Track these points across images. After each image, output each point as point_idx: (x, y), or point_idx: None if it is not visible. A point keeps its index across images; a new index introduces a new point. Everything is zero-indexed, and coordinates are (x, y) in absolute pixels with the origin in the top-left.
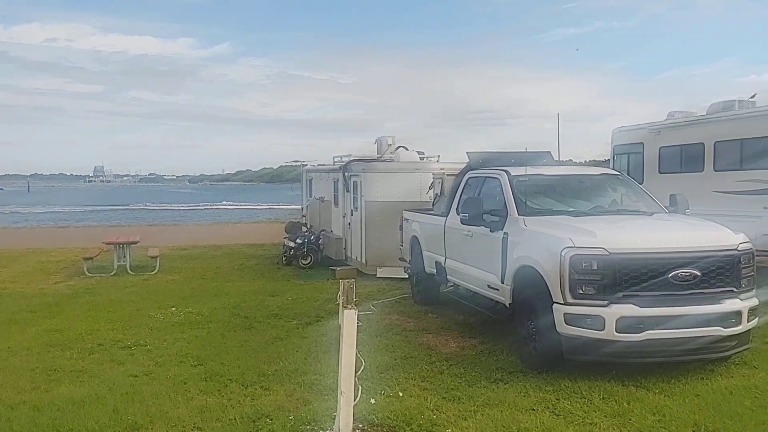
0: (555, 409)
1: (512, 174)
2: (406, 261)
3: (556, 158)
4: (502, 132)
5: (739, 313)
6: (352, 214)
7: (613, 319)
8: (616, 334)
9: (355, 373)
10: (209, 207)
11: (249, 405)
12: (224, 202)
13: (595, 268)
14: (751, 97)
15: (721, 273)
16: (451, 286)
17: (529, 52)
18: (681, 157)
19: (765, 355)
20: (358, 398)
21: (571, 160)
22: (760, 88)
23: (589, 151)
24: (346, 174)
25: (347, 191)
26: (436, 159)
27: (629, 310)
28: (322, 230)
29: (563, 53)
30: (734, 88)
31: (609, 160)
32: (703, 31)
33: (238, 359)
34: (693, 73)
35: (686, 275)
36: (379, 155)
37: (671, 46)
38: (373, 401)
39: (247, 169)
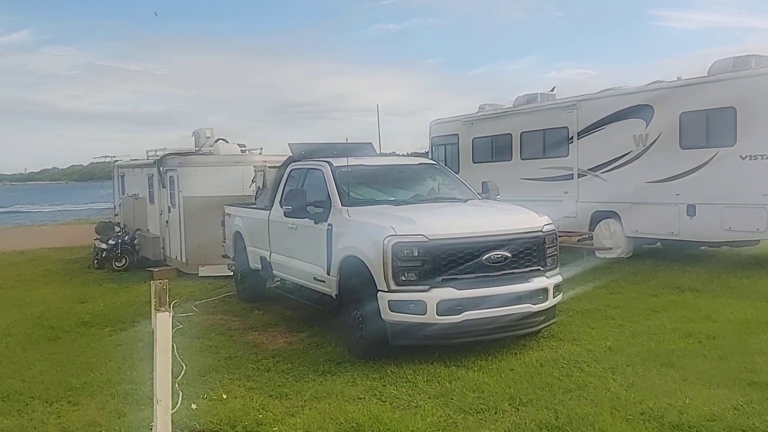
0: (382, 395)
1: (335, 165)
2: (229, 258)
3: (377, 149)
4: (327, 125)
5: (545, 290)
6: (169, 211)
7: (433, 302)
8: (437, 317)
9: (175, 378)
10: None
11: (54, 424)
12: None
13: (416, 254)
14: (551, 91)
15: (528, 253)
16: (278, 281)
17: (350, 47)
18: (492, 147)
19: (569, 328)
20: (178, 405)
21: (394, 152)
22: (559, 83)
23: (411, 143)
24: (161, 169)
25: (163, 187)
26: (259, 151)
27: (448, 293)
28: (138, 229)
29: (383, 48)
30: (539, 83)
31: (428, 151)
32: (509, 30)
33: (42, 374)
34: (502, 69)
35: (498, 257)
36: (197, 148)
37: (482, 43)
38: (194, 406)
39: (54, 167)
